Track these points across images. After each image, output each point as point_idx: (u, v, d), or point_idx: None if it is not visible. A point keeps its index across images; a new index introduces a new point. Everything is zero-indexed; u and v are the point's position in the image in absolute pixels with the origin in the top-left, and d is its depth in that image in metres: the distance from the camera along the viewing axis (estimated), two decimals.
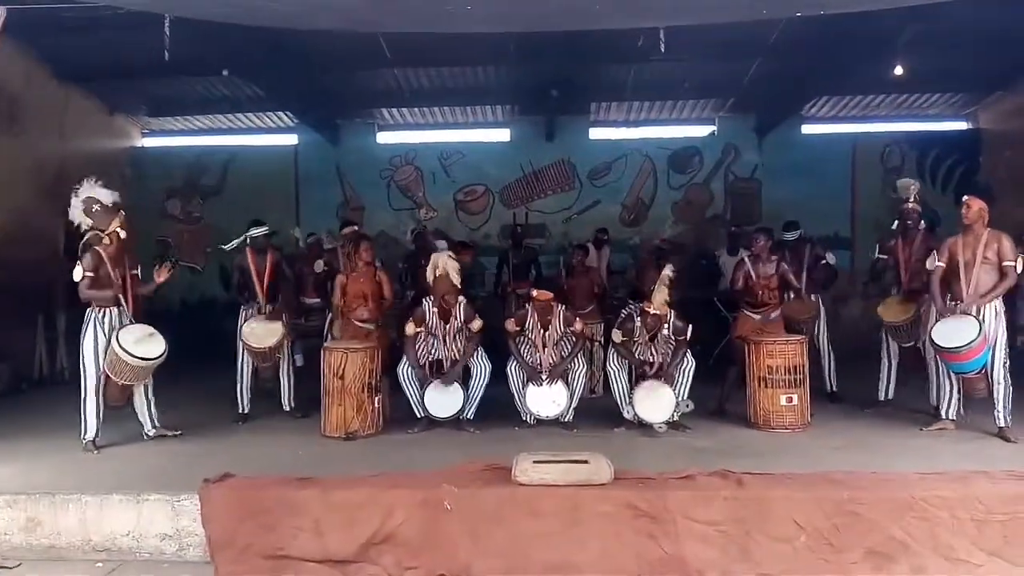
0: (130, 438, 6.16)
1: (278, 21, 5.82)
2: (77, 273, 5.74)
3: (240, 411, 6.96)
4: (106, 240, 5.80)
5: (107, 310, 5.86)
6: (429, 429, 6.34)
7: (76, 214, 5.81)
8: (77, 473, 5.29)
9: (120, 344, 5.71)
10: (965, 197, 6.04)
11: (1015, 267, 5.76)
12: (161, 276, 6.12)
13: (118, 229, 5.81)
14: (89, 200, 5.78)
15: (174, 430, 6.28)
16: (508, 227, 11.11)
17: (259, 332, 6.77)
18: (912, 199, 6.73)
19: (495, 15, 5.24)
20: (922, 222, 6.76)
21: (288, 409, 7.08)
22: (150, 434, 6.22)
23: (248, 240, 7.02)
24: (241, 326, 6.90)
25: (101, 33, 8.12)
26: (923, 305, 6.53)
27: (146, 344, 5.85)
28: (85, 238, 5.83)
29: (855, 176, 11.44)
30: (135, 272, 6.06)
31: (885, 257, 6.88)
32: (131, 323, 5.92)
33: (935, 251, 6.08)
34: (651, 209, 11.77)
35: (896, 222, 6.84)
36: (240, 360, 6.95)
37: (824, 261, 7.69)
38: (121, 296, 5.89)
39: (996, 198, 8.19)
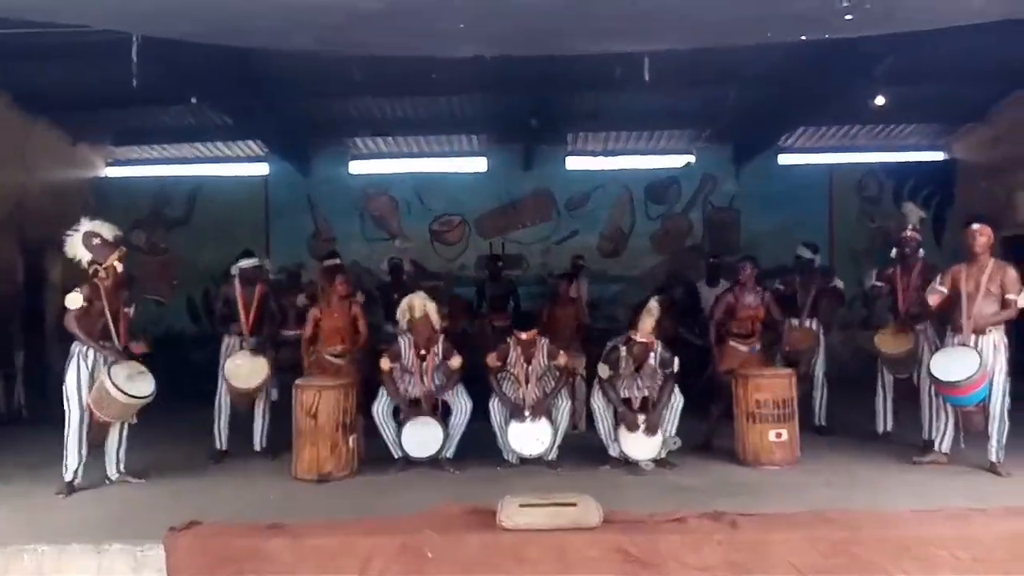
0: (90, 483, 5.84)
1: (251, 41, 5.65)
2: (72, 300, 5.60)
3: (218, 447, 6.70)
4: (102, 274, 5.69)
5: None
6: (407, 469, 6.12)
7: (74, 248, 5.70)
8: (33, 520, 4.99)
9: (112, 380, 5.54)
10: (975, 225, 5.79)
11: (1017, 301, 5.63)
12: (139, 348, 5.95)
13: (116, 263, 5.72)
14: (89, 235, 5.69)
15: (138, 477, 5.99)
16: (484, 258, 10.95)
17: (244, 371, 6.53)
18: (912, 226, 6.64)
19: (486, 36, 5.10)
20: (920, 250, 6.65)
21: (259, 449, 6.82)
22: (113, 478, 5.94)
23: (238, 270, 6.85)
24: (224, 360, 6.65)
25: (64, 61, 7.94)
26: (920, 336, 6.44)
27: (137, 382, 5.69)
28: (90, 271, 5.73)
29: (832, 205, 11.48)
30: (127, 310, 5.92)
31: (881, 284, 6.77)
32: (123, 359, 5.75)
33: (939, 277, 5.92)
34: (629, 239, 11.70)
35: (894, 249, 6.73)
36: (219, 394, 6.71)
37: (833, 285, 7.54)
38: (113, 332, 5.74)
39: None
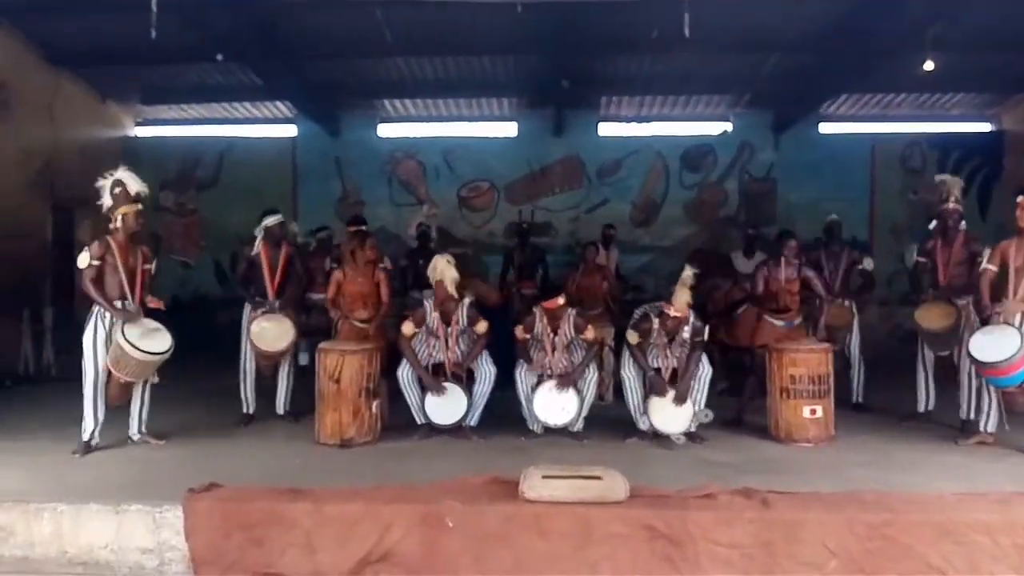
0: (112, 442, 5.83)
1: None
2: (82, 259, 5.55)
3: (245, 411, 6.65)
4: (113, 225, 5.61)
5: (115, 302, 5.62)
6: (430, 437, 6.03)
7: (104, 191, 5.65)
8: (53, 479, 4.98)
9: (126, 337, 5.45)
10: (1020, 198, 5.60)
11: None
12: (154, 303, 5.87)
13: (125, 215, 5.61)
14: (117, 182, 5.62)
15: (159, 439, 5.95)
16: (513, 225, 10.82)
17: (270, 334, 6.44)
18: (953, 199, 6.38)
19: None
20: (963, 223, 6.39)
21: (282, 412, 6.78)
22: (134, 438, 5.91)
23: (263, 230, 6.72)
24: (248, 322, 6.57)
25: (92, 17, 7.87)
26: (964, 311, 6.20)
27: (152, 338, 5.60)
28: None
29: (874, 178, 11.17)
30: (147, 267, 5.83)
31: (924, 260, 6.53)
32: (139, 316, 5.67)
33: (987, 253, 5.73)
34: (662, 209, 11.49)
35: (935, 222, 6.49)
36: (244, 358, 6.64)
37: (861, 267, 7.39)
38: (128, 289, 5.64)
39: None
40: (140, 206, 5.75)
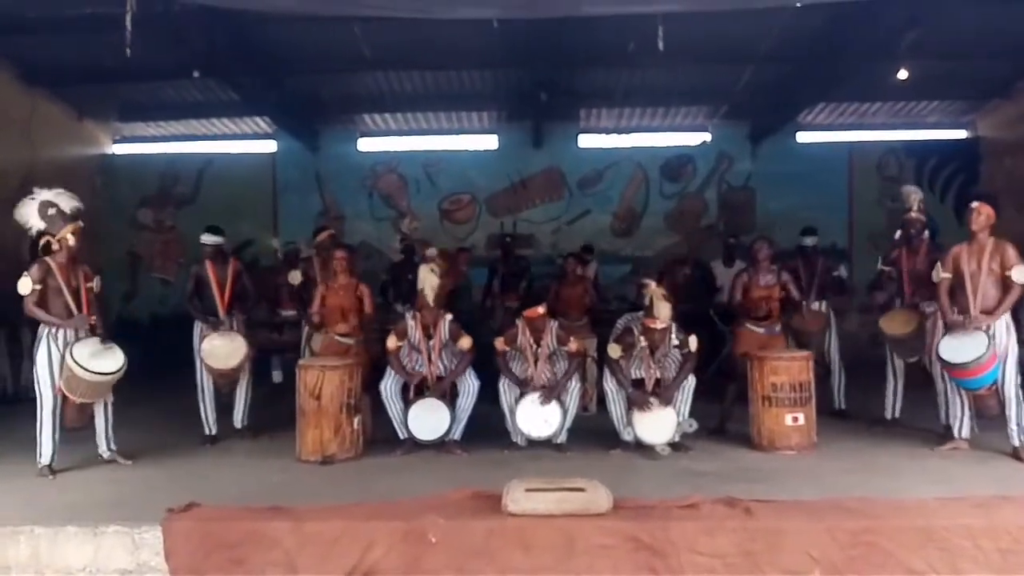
0: (86, 463, 5.76)
1: (242, 3, 5.43)
2: (23, 286, 5.41)
3: (207, 432, 6.56)
4: (55, 247, 5.49)
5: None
6: (413, 452, 5.99)
7: (27, 215, 5.47)
8: (29, 502, 4.90)
9: (75, 358, 5.36)
10: (974, 203, 5.77)
11: (1015, 278, 5.53)
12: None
13: (69, 236, 5.49)
14: (46, 204, 5.47)
15: (127, 459, 5.85)
16: (495, 237, 10.81)
17: (221, 352, 6.37)
18: (915, 208, 6.51)
19: None
20: (925, 232, 6.54)
21: (239, 427, 6.68)
22: (104, 455, 5.82)
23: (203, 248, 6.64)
24: (199, 341, 6.49)
25: (68, 35, 7.82)
26: (928, 318, 6.30)
27: (103, 358, 5.49)
28: (40, 245, 5.53)
29: (852, 185, 11.26)
30: (90, 285, 5.70)
31: (888, 269, 6.64)
32: (86, 336, 5.57)
33: (940, 262, 5.84)
34: (643, 219, 11.53)
35: (899, 232, 6.61)
36: (200, 377, 6.53)
37: (836, 274, 7.48)
38: (74, 310, 5.53)
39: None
40: (80, 223, 5.61)
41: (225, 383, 6.52)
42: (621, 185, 11.51)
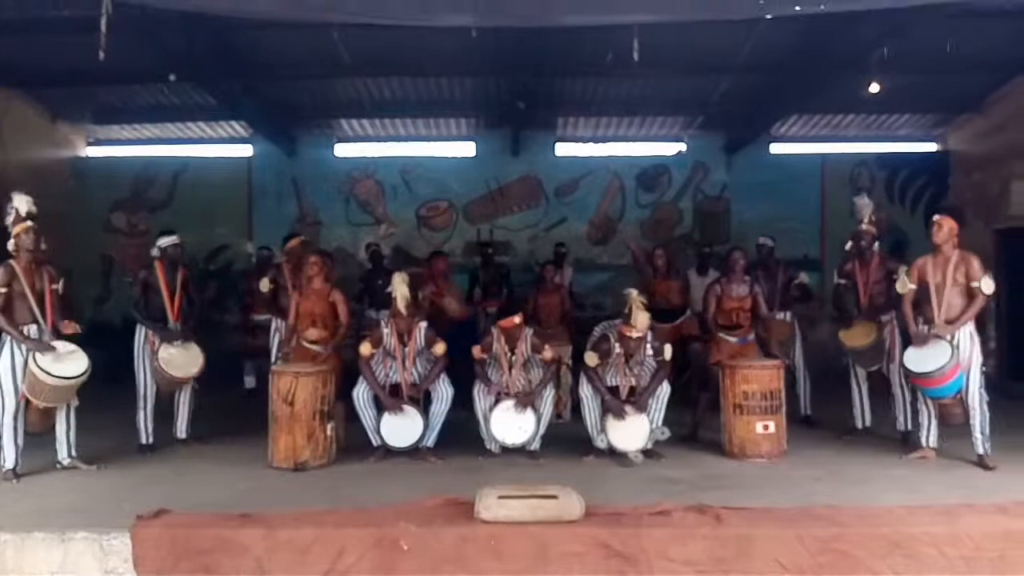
0: (50, 467, 5.72)
1: (215, 8, 5.39)
2: None
3: (144, 441, 6.41)
4: (11, 248, 5.50)
5: (25, 327, 5.51)
6: (386, 458, 5.98)
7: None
8: None
9: (37, 363, 5.34)
10: (936, 216, 5.92)
11: (982, 288, 5.65)
12: (68, 328, 5.71)
13: (22, 236, 5.49)
14: (9, 208, 5.56)
15: (89, 464, 5.79)
16: (473, 244, 10.79)
17: (180, 360, 6.30)
18: (866, 220, 6.63)
19: (469, 5, 4.91)
20: (876, 244, 6.67)
21: (183, 437, 6.60)
22: (64, 463, 5.75)
23: (159, 250, 6.57)
24: (142, 347, 6.39)
25: (42, 36, 7.72)
26: (885, 328, 6.41)
27: (66, 362, 5.48)
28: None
29: (824, 196, 11.34)
30: (55, 287, 5.67)
31: (844, 281, 6.74)
32: (51, 340, 5.54)
33: (905, 273, 5.94)
34: (619, 227, 11.54)
35: (849, 243, 6.73)
36: (142, 385, 6.41)
37: (797, 281, 7.60)
38: (38, 313, 5.52)
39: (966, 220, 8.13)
40: (31, 223, 5.59)
41: (168, 393, 6.45)
42: (598, 194, 11.54)
